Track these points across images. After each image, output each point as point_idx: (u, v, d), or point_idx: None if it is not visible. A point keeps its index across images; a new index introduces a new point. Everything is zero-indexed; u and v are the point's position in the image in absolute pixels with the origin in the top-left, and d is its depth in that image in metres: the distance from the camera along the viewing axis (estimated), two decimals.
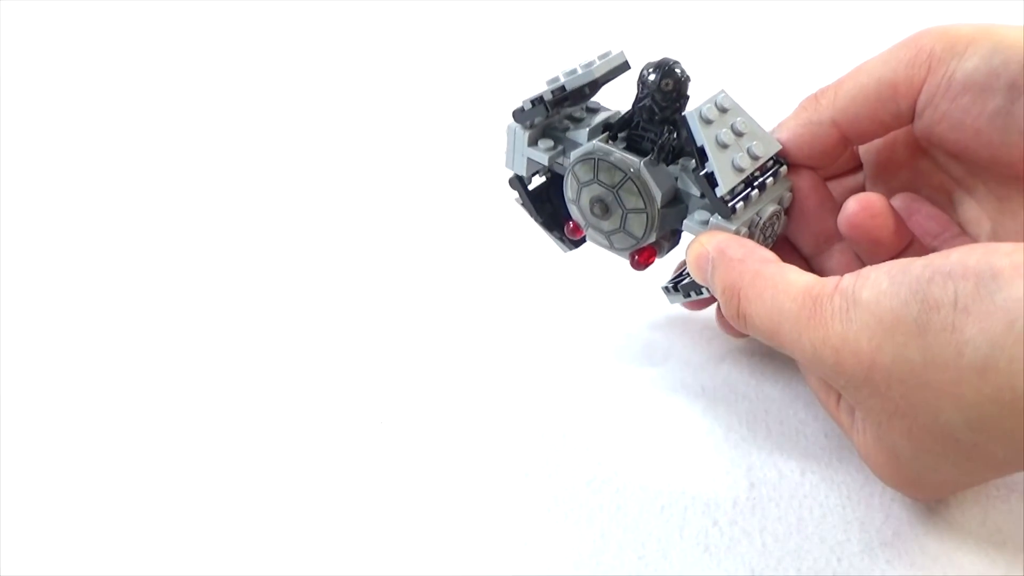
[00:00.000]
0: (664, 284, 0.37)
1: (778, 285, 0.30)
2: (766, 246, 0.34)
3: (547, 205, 0.39)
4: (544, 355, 0.40)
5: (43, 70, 0.64)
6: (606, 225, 0.36)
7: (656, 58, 0.34)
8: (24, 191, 0.51)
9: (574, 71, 0.35)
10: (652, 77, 0.34)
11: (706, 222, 0.34)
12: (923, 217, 0.36)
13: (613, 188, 0.35)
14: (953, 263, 0.27)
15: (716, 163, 0.33)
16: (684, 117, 0.33)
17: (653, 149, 0.34)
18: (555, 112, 0.36)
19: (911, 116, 0.33)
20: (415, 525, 0.33)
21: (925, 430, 0.28)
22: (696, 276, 0.34)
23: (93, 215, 0.49)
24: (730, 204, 0.33)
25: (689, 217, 0.34)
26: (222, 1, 0.71)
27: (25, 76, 0.62)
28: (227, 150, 0.55)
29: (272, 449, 0.36)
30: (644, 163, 0.34)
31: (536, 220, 0.40)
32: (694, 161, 0.33)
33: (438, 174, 0.52)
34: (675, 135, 0.34)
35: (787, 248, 0.37)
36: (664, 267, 0.39)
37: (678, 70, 0.34)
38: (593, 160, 0.35)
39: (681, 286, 0.36)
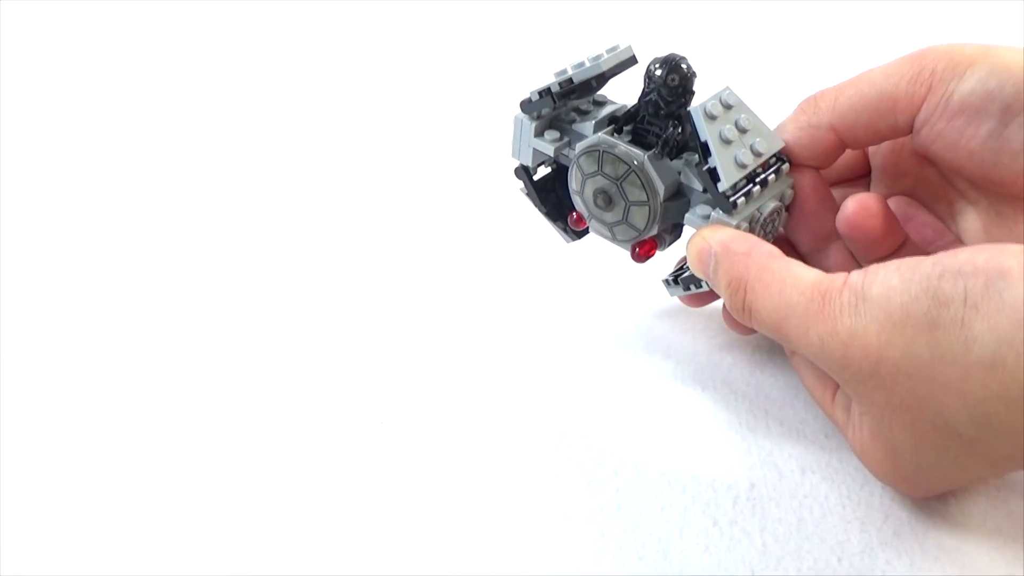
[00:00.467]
0: (664, 277, 0.38)
1: (785, 279, 0.30)
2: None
3: (551, 196, 0.39)
4: (544, 354, 0.39)
5: (43, 70, 0.63)
6: (609, 217, 0.36)
7: (663, 54, 0.34)
8: (24, 191, 0.50)
9: (582, 64, 0.35)
10: (659, 72, 0.34)
11: (707, 216, 0.34)
12: (919, 224, 0.37)
13: (617, 180, 0.35)
14: (962, 261, 0.27)
15: (719, 158, 0.33)
16: (689, 112, 0.33)
17: (657, 143, 0.34)
18: (562, 104, 0.36)
19: (908, 130, 0.34)
20: (415, 525, 0.32)
21: (928, 425, 0.28)
22: (697, 270, 0.34)
23: (93, 215, 0.48)
24: (732, 199, 0.33)
25: (691, 211, 0.35)
26: (222, 1, 0.71)
27: (25, 76, 0.62)
28: (227, 147, 0.54)
29: (272, 449, 0.35)
30: (648, 156, 0.34)
31: (540, 210, 0.40)
32: (697, 156, 0.33)
33: (442, 166, 0.52)
34: (680, 130, 0.34)
35: (784, 245, 0.37)
36: (665, 260, 0.39)
37: (684, 66, 0.34)
38: (598, 152, 0.35)
39: (681, 279, 0.37)
